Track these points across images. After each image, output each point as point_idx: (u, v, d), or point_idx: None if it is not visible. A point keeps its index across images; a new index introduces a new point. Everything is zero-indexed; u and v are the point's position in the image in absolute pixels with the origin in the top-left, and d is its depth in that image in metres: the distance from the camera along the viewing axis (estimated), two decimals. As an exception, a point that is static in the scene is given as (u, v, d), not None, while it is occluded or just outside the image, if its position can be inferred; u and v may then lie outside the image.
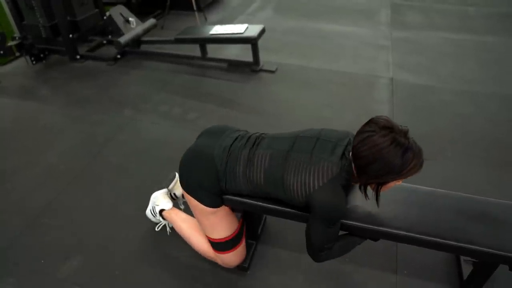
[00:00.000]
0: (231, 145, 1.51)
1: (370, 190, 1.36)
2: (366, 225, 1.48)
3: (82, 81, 3.53)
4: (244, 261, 1.82)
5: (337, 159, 1.34)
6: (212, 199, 1.56)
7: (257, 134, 1.57)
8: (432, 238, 1.43)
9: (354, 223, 1.48)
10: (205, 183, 1.52)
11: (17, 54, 3.67)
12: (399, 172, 1.20)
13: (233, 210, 1.69)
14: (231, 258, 1.71)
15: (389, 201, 1.56)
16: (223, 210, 1.62)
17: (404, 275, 1.80)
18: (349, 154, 1.34)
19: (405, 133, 1.20)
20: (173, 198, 2.01)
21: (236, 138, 1.54)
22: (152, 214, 1.95)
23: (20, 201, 2.23)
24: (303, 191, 1.35)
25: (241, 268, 1.82)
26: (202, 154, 1.53)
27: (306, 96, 3.26)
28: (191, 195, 1.56)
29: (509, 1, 5.53)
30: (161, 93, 3.32)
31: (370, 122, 1.26)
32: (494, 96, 3.24)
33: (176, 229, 1.86)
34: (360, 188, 1.37)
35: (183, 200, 2.02)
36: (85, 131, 2.84)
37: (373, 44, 4.22)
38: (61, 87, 3.46)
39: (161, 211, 1.91)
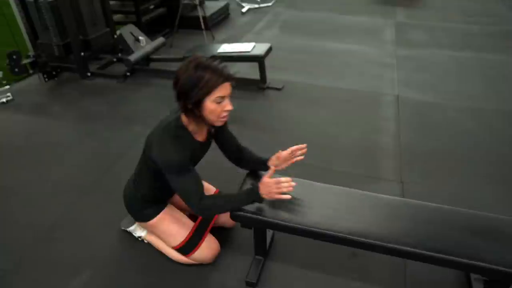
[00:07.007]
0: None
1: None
2: (372, 241, 1.49)
3: (93, 98, 3.60)
4: (253, 277, 1.83)
5: (174, 115, 1.60)
6: (142, 213, 1.87)
7: None
8: (440, 255, 1.44)
9: (361, 239, 1.50)
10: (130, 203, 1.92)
11: (31, 71, 3.77)
12: (197, 84, 1.42)
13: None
14: (201, 254, 1.86)
15: (396, 218, 1.58)
16: (163, 218, 1.85)
17: (412, 292, 1.81)
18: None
19: (208, 59, 1.45)
20: None
21: None
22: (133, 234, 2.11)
23: (31, 215, 2.26)
24: (149, 153, 1.60)
25: (250, 284, 1.83)
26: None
27: (312, 114, 3.31)
28: (134, 219, 1.97)
29: (510, 19, 5.61)
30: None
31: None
32: (498, 112, 3.27)
33: (155, 247, 2.00)
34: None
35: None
36: (96, 147, 2.89)
37: (378, 62, 4.28)
38: (73, 103, 3.53)
39: (140, 236, 2.08)
